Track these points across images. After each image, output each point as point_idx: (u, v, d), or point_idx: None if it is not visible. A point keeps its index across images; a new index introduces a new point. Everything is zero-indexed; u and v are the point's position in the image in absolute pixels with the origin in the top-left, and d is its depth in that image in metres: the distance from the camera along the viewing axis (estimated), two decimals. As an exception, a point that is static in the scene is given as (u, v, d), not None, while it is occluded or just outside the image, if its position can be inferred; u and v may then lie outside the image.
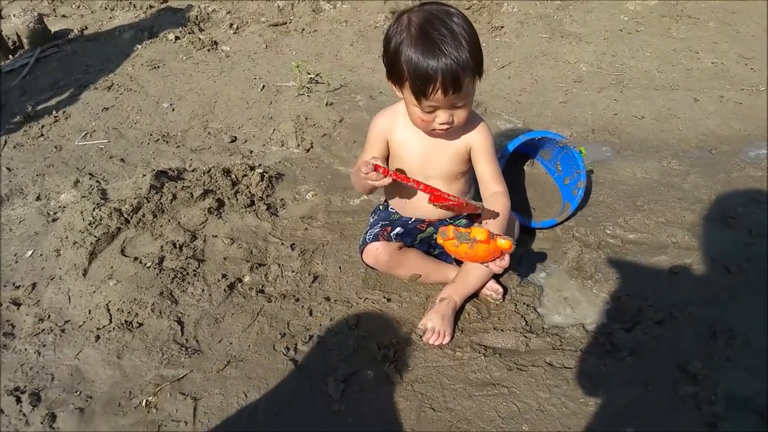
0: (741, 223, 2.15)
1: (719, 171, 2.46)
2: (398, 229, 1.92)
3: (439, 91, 1.53)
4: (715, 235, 2.12)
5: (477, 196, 1.93)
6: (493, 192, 1.79)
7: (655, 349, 1.69)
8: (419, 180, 1.68)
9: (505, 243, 1.53)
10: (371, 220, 2.04)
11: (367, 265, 1.94)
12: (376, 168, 1.64)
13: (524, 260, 2.05)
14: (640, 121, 2.86)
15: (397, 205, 2.00)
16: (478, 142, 1.79)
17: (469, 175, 1.91)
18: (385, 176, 1.65)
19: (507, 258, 1.58)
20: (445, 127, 1.66)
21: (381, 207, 2.07)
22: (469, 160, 1.84)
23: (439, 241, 1.60)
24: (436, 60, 1.49)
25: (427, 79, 1.52)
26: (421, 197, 1.82)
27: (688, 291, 1.90)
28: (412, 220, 1.97)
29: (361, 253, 1.91)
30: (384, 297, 1.91)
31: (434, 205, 1.69)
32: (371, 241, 1.87)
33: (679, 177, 2.44)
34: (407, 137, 1.81)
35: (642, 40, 3.66)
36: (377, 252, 1.85)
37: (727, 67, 3.30)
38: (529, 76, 3.31)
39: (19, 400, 1.61)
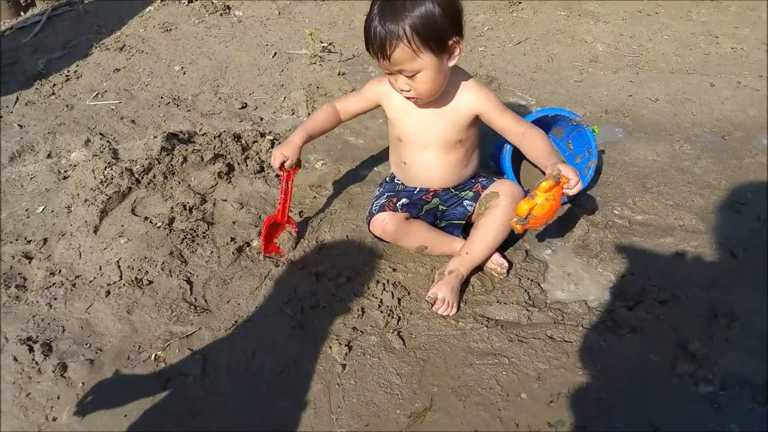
0: (750, 209, 2.15)
1: (731, 157, 2.46)
2: (404, 200, 1.94)
3: (373, 54, 1.64)
4: (723, 220, 2.12)
5: (481, 166, 1.94)
6: (522, 133, 1.82)
7: (656, 328, 1.71)
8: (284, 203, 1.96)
9: (545, 185, 1.53)
10: (377, 192, 2.06)
11: (375, 236, 1.96)
12: (281, 166, 1.93)
13: (530, 237, 2.06)
14: (654, 104, 2.84)
15: (399, 174, 2.03)
16: (481, 105, 1.81)
17: (469, 144, 1.91)
18: (281, 178, 1.96)
19: (572, 183, 1.58)
20: (408, 95, 1.72)
21: (387, 179, 2.09)
22: (470, 127, 1.86)
23: (520, 229, 1.63)
24: (372, 24, 1.59)
25: (365, 38, 1.65)
26: (430, 165, 1.90)
27: (692, 273, 1.91)
28: (417, 190, 1.99)
29: (368, 224, 1.93)
30: (390, 267, 1.93)
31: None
32: (377, 212, 1.90)
33: (690, 161, 2.43)
34: (405, 105, 1.84)
35: (661, 22, 3.61)
36: (384, 223, 1.87)
37: (747, 53, 3.26)
38: (544, 54, 3.28)
39: (31, 350, 1.65)
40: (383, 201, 1.94)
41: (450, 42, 1.63)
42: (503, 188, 1.86)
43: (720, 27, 3.54)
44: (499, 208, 1.83)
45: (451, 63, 1.68)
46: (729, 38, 3.42)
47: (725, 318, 1.73)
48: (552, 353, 1.64)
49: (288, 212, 2.00)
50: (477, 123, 1.88)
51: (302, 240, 2.03)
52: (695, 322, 1.74)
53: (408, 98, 1.75)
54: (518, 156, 2.07)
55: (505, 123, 1.83)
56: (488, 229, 1.85)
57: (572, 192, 1.60)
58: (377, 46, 1.60)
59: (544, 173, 1.63)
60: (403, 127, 1.90)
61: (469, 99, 1.81)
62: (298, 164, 1.99)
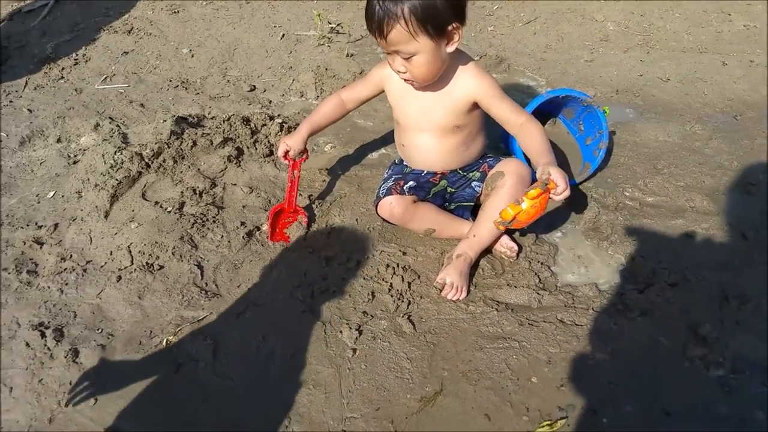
0: (761, 191, 2.13)
1: (743, 137, 2.42)
2: (411, 183, 1.94)
3: (371, 32, 1.64)
4: (734, 201, 2.10)
5: (490, 148, 1.92)
6: (520, 124, 1.80)
7: (667, 311, 1.71)
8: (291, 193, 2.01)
9: (533, 192, 1.57)
10: (385, 175, 2.06)
11: (383, 219, 1.96)
12: (286, 155, 2.00)
13: (541, 219, 2.05)
14: (665, 84, 2.80)
15: (406, 156, 2.02)
16: (480, 91, 1.79)
17: (469, 130, 1.90)
18: (287, 166, 2.02)
19: (559, 189, 1.59)
20: (404, 76, 1.72)
21: (396, 161, 2.08)
22: (468, 112, 1.84)
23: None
24: (374, 1, 1.59)
25: (365, 15, 1.64)
26: (427, 149, 1.91)
27: (703, 255, 1.90)
28: (424, 173, 1.98)
29: (376, 207, 1.94)
30: (399, 250, 1.93)
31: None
32: (385, 195, 1.90)
33: (702, 142, 2.40)
34: (405, 89, 1.84)
35: (672, -1, 3.55)
36: (391, 206, 1.88)
37: (760, 31, 3.20)
38: (554, 33, 3.23)
39: (43, 335, 1.67)
40: (390, 184, 1.94)
41: (449, 28, 1.61)
42: (509, 167, 1.86)
43: (732, 4, 3.47)
44: (505, 187, 1.82)
45: (450, 49, 1.67)
46: (742, 15, 3.36)
47: (736, 301, 1.73)
48: (562, 337, 1.65)
49: (295, 201, 2.00)
50: (477, 108, 1.86)
51: (312, 224, 2.03)
52: (706, 304, 1.73)
53: (404, 80, 1.75)
54: (540, 117, 2.05)
55: (503, 111, 1.81)
56: (495, 210, 1.80)
57: (559, 198, 1.61)
58: (375, 24, 1.60)
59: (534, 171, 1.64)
60: (402, 111, 1.90)
61: (467, 85, 1.79)
62: (304, 154, 2.03)
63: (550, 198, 1.61)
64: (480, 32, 3.25)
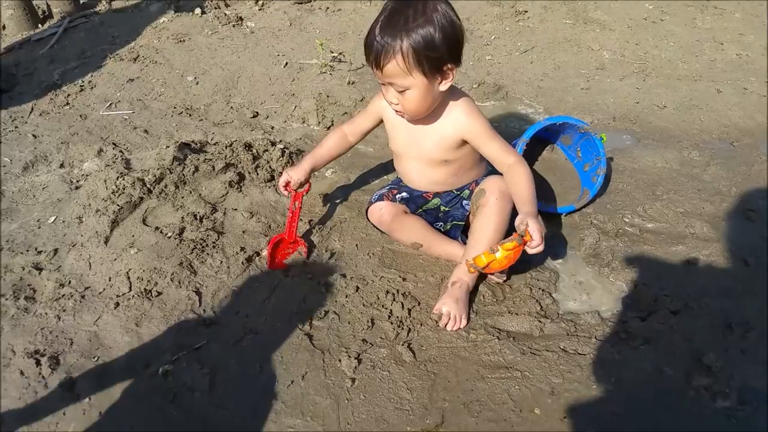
0: (761, 217, 2.13)
1: (740, 163, 2.44)
2: (403, 194, 2.01)
3: (368, 62, 1.68)
4: (734, 227, 2.10)
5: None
6: (508, 165, 1.80)
7: (670, 339, 1.69)
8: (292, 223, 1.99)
9: (509, 245, 1.61)
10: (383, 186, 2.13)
11: (373, 225, 2.01)
12: (287, 186, 2.02)
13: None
14: (661, 111, 2.83)
15: (403, 177, 2.08)
16: (469, 130, 1.81)
17: (460, 163, 1.93)
18: (289, 196, 2.02)
19: (534, 243, 1.62)
20: (395, 108, 1.76)
21: (397, 177, 2.14)
22: (457, 149, 1.87)
23: (473, 271, 1.70)
24: (373, 34, 1.63)
25: (364, 46, 1.69)
26: (418, 175, 1.97)
27: (705, 282, 1.89)
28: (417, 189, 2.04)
29: (366, 212, 2.00)
30: (400, 276, 1.92)
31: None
32: (376, 201, 1.97)
33: (700, 168, 2.41)
34: (397, 118, 1.88)
35: (666, 29, 3.60)
36: (381, 212, 1.94)
37: (752, 59, 3.25)
38: (551, 62, 3.27)
39: (38, 363, 1.65)
40: (384, 191, 2.02)
41: (445, 68, 1.66)
42: (488, 185, 1.87)
43: (725, 34, 3.53)
44: (488, 206, 1.83)
45: (443, 87, 1.70)
46: (734, 45, 3.41)
47: (740, 328, 1.71)
48: (565, 366, 1.63)
49: (296, 231, 2.00)
50: (467, 145, 1.87)
51: (312, 253, 2.03)
52: (709, 332, 1.72)
53: (396, 111, 1.79)
54: (529, 158, 2.07)
55: (492, 151, 1.83)
56: (483, 231, 1.83)
57: (532, 252, 1.64)
58: (373, 55, 1.64)
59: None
60: (394, 140, 1.96)
61: (457, 122, 1.81)
62: (305, 186, 2.05)
63: (523, 250, 1.65)
64: (478, 61, 3.29)
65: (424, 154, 1.90)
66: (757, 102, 2.87)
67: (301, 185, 2.05)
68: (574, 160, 2.37)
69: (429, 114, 1.79)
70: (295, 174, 2.02)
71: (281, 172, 2.36)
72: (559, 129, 2.31)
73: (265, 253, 1.99)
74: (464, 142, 1.85)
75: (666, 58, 3.29)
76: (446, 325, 1.74)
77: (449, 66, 1.66)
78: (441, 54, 1.62)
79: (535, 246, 1.61)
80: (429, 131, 1.85)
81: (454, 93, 1.82)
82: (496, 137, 1.82)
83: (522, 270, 1.94)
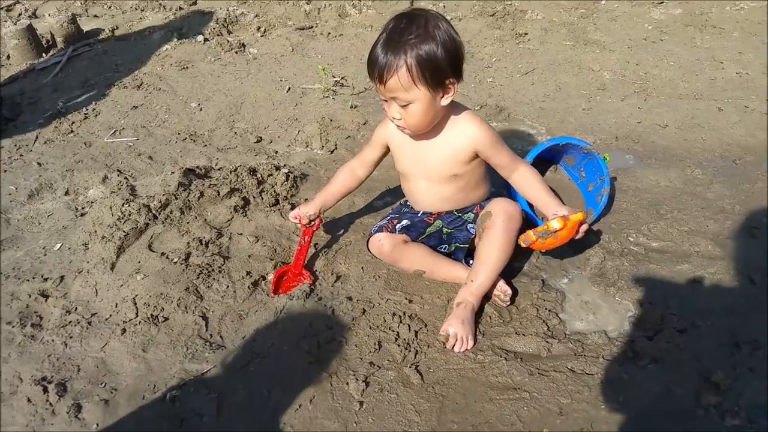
0: (765, 234, 2.13)
1: (743, 181, 2.44)
2: (404, 222, 2.01)
3: (372, 78, 1.71)
4: (739, 245, 2.10)
5: (494, 194, 1.94)
6: (519, 170, 1.89)
7: (678, 358, 1.68)
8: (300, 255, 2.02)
9: (578, 215, 1.69)
10: (385, 215, 2.13)
11: (374, 256, 2.02)
12: (299, 220, 2.03)
13: (546, 264, 2.05)
14: (663, 130, 2.85)
15: (409, 198, 2.09)
16: (480, 142, 1.85)
17: (469, 178, 1.94)
18: (301, 231, 2.05)
19: (585, 225, 1.73)
20: (398, 123, 1.78)
21: (401, 203, 2.16)
22: (467, 163, 1.89)
23: (525, 246, 1.73)
24: (377, 50, 1.68)
25: (367, 62, 1.72)
26: (420, 193, 1.98)
27: (711, 300, 1.88)
28: (420, 213, 2.04)
29: (367, 243, 2.01)
30: (406, 298, 1.92)
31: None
32: (375, 233, 1.98)
33: (703, 186, 2.42)
34: (404, 140, 1.91)
35: (666, 49, 3.64)
36: (380, 243, 1.95)
37: (752, 78, 3.27)
38: (552, 83, 3.31)
39: (45, 390, 1.65)
40: (384, 222, 2.02)
41: (447, 81, 1.70)
42: (495, 207, 1.88)
43: (724, 53, 3.56)
44: (494, 228, 1.84)
45: (445, 102, 1.74)
46: (734, 63, 3.44)
47: (748, 346, 1.70)
48: (573, 387, 1.62)
49: (302, 265, 2.01)
50: (477, 159, 1.90)
51: (317, 272, 2.04)
52: (717, 351, 1.71)
53: (398, 126, 1.81)
54: (541, 164, 2.09)
55: (502, 160, 1.89)
56: (489, 253, 1.84)
57: (580, 234, 1.74)
58: (376, 71, 1.68)
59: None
60: (402, 161, 1.98)
61: (468, 135, 1.84)
62: (316, 221, 2.07)
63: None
64: (480, 83, 3.32)
65: (432, 171, 1.91)
66: (758, 120, 2.89)
67: (311, 221, 2.06)
68: (578, 180, 2.38)
69: (432, 129, 1.83)
70: (305, 210, 2.05)
71: (286, 197, 2.39)
72: (562, 149, 2.33)
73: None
74: (474, 156, 1.88)
75: (667, 78, 3.32)
76: (453, 346, 1.74)
77: (451, 80, 1.70)
78: (443, 68, 1.66)
79: (584, 229, 1.73)
80: (436, 147, 1.88)
81: (455, 107, 1.86)
82: (505, 146, 1.89)
83: (528, 290, 1.94)
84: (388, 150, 2.03)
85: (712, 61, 3.47)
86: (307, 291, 1.95)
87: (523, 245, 1.73)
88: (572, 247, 2.12)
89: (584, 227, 1.73)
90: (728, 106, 3.02)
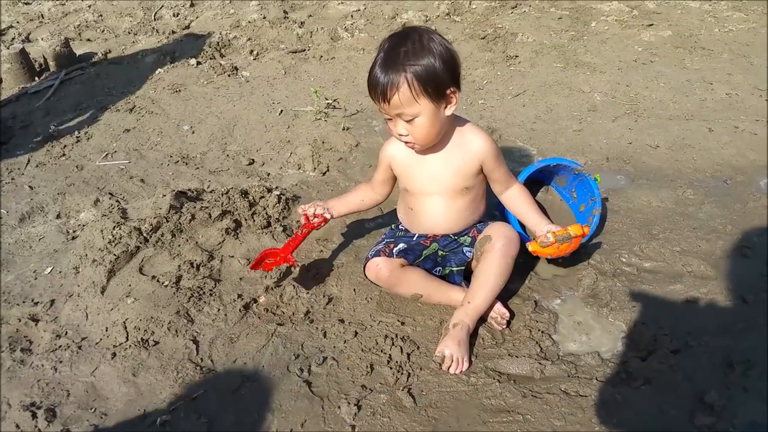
0: (757, 254, 2.14)
1: (735, 201, 2.46)
2: (401, 245, 1.97)
3: (374, 98, 1.74)
4: (731, 265, 2.11)
5: (486, 214, 1.95)
6: (514, 187, 1.98)
7: (671, 379, 1.68)
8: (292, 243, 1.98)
9: (582, 228, 1.82)
10: (379, 239, 2.09)
11: (371, 281, 1.98)
12: (305, 217, 2.03)
13: (539, 287, 2.05)
14: (654, 151, 2.87)
15: (406, 219, 2.07)
16: (488, 155, 1.89)
17: (476, 192, 1.96)
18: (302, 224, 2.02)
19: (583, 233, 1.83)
20: (406, 139, 1.80)
21: (393, 227, 2.12)
22: (476, 175, 1.92)
23: (532, 249, 1.84)
24: (376, 70, 1.71)
25: (368, 84, 1.75)
26: (428, 214, 1.97)
27: (704, 320, 1.88)
28: (416, 236, 2.02)
29: (364, 268, 1.97)
30: (398, 320, 1.91)
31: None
32: (372, 257, 1.94)
33: (695, 206, 2.43)
34: (412, 158, 1.93)
35: (656, 70, 3.69)
36: (378, 268, 1.91)
37: (742, 98, 3.32)
38: (543, 105, 3.34)
39: (34, 416, 1.63)
40: (380, 247, 1.98)
41: (448, 91, 1.73)
42: (495, 231, 1.89)
43: (714, 74, 3.61)
44: (493, 251, 1.84)
45: (449, 112, 1.77)
46: (723, 84, 3.49)
47: (741, 366, 1.70)
48: (567, 409, 1.60)
49: (291, 252, 1.97)
50: (482, 171, 1.93)
51: (309, 295, 2.02)
52: (711, 371, 1.70)
53: (406, 143, 1.83)
54: (532, 185, 2.11)
55: (501, 174, 1.94)
56: (487, 276, 1.85)
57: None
58: (379, 90, 1.70)
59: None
60: (411, 179, 1.95)
61: (475, 146, 1.88)
62: (320, 219, 2.05)
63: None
64: (471, 105, 3.35)
65: (444, 185, 1.91)
66: (748, 140, 2.92)
67: (316, 217, 2.05)
68: (569, 201, 2.39)
69: (439, 143, 1.85)
70: (312, 208, 2.06)
71: (278, 219, 2.39)
72: (554, 170, 2.34)
73: (263, 299, 1.99)
74: (480, 168, 1.91)
75: (657, 99, 3.36)
76: (449, 368, 1.73)
77: (452, 89, 1.73)
78: (442, 79, 1.70)
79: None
80: (447, 160, 1.89)
81: (458, 120, 1.89)
82: (503, 163, 1.95)
83: (521, 311, 1.93)
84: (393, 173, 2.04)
85: (701, 82, 3.52)
86: (283, 271, 2.00)
87: (541, 246, 1.81)
88: (565, 268, 2.12)
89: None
90: (718, 127, 3.05)
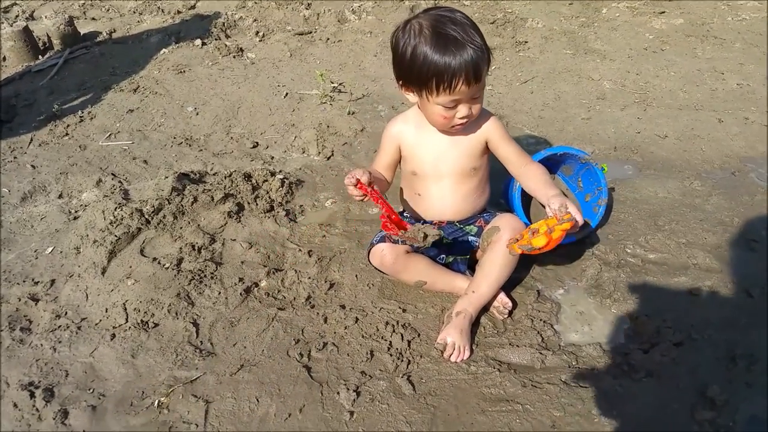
0: (764, 247, 2.11)
1: (743, 193, 2.43)
2: None
3: (462, 84, 1.63)
4: (737, 258, 2.08)
5: (492, 201, 1.93)
6: (525, 165, 1.88)
7: (673, 372, 1.66)
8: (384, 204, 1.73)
9: (564, 225, 1.62)
10: None
11: (375, 268, 1.95)
12: (358, 184, 1.69)
13: (542, 276, 2.03)
14: (663, 141, 2.83)
15: (412, 206, 2.03)
16: (492, 130, 1.87)
17: (482, 174, 1.94)
18: (363, 193, 1.70)
19: (577, 224, 1.65)
20: (465, 120, 1.75)
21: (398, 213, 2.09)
22: (483, 154, 1.90)
23: (518, 252, 1.72)
24: (459, 54, 1.60)
25: (452, 73, 1.61)
26: (437, 198, 1.92)
27: (708, 313, 1.86)
28: (421, 222, 1.99)
29: (368, 254, 1.94)
30: (399, 307, 1.90)
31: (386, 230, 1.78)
32: (377, 243, 1.92)
33: (702, 198, 2.40)
34: (419, 139, 1.89)
35: (667, 59, 3.63)
36: (382, 253, 1.88)
37: (753, 89, 3.26)
38: (552, 92, 3.30)
39: (32, 395, 1.63)
40: (385, 232, 1.93)
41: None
42: (503, 222, 1.86)
43: (725, 63, 3.55)
44: (501, 242, 1.82)
45: None
46: (735, 74, 3.43)
47: (744, 360, 1.68)
48: (567, 399, 1.59)
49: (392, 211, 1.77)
50: (488, 151, 1.91)
51: (311, 280, 2.01)
52: (713, 365, 1.69)
53: (456, 126, 1.77)
54: (528, 193, 2.06)
55: (510, 152, 1.88)
56: (492, 266, 1.83)
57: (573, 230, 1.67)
58: (472, 72, 1.61)
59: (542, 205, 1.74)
60: (420, 161, 1.91)
61: (480, 124, 1.85)
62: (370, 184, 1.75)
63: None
64: (479, 91, 3.31)
65: (453, 166, 1.88)
66: (758, 132, 2.87)
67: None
68: (575, 190, 2.36)
69: None
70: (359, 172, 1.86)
71: (281, 203, 2.37)
72: (560, 159, 2.31)
73: (264, 283, 1.98)
74: (486, 147, 1.89)
75: (667, 88, 3.31)
76: (450, 355, 1.72)
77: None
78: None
79: (578, 227, 1.67)
80: (456, 141, 1.87)
81: None
82: (513, 141, 1.90)
83: (523, 301, 1.92)
84: (399, 153, 1.96)
85: (712, 72, 3.47)
86: (306, 295, 1.95)
87: (518, 252, 1.72)
88: (568, 258, 2.10)
89: (577, 229, 1.69)
90: (729, 118, 3.00)
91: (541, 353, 1.73)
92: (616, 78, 3.43)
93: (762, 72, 3.44)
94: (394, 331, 1.81)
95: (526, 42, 3.86)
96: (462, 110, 1.72)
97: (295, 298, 1.95)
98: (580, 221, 1.66)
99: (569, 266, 2.07)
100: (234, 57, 3.75)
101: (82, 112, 3.13)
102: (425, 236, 1.73)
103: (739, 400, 1.57)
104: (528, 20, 4.14)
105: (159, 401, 1.61)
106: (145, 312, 1.86)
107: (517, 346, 1.76)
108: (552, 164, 2.39)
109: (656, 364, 1.68)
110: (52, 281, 2.02)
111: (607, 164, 2.23)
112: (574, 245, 2.14)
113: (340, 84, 3.35)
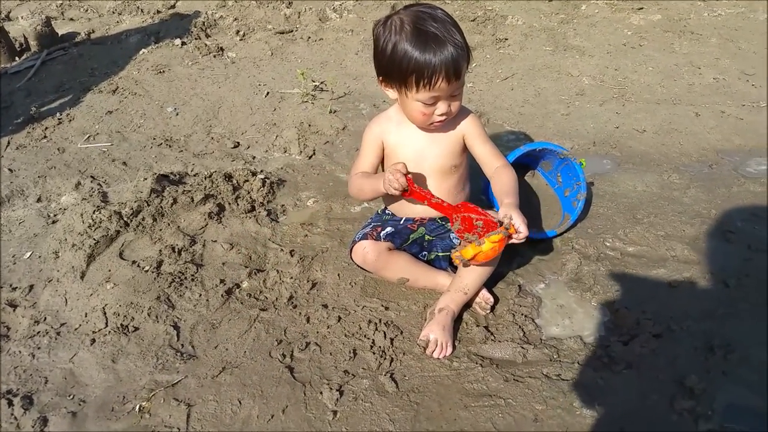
0: (740, 238, 2.15)
1: (719, 185, 2.46)
2: (388, 229, 1.95)
3: (442, 81, 1.64)
4: (715, 249, 2.11)
5: (472, 198, 1.94)
6: (496, 168, 1.90)
7: (653, 363, 1.68)
8: (436, 198, 1.82)
9: (494, 237, 1.64)
10: (365, 223, 2.07)
11: (357, 265, 1.95)
12: (407, 177, 1.76)
13: (523, 271, 2.05)
14: (641, 135, 2.86)
15: (393, 205, 2.03)
16: (469, 128, 1.89)
17: (462, 171, 1.96)
18: (409, 187, 1.78)
19: (521, 235, 1.66)
20: (443, 117, 1.77)
21: (379, 211, 2.09)
22: (462, 152, 1.92)
23: (457, 262, 1.71)
24: (439, 52, 1.61)
25: (432, 70, 1.62)
26: (433, 189, 1.91)
27: (686, 305, 1.89)
28: (403, 220, 2.00)
29: (350, 252, 1.94)
30: (382, 305, 1.90)
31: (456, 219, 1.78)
32: (360, 240, 1.92)
33: (680, 191, 2.43)
34: (400, 137, 1.90)
35: (645, 54, 3.67)
36: (365, 251, 1.89)
37: (729, 83, 3.31)
38: (531, 88, 3.32)
39: (11, 403, 1.61)
40: (367, 230, 1.96)
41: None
42: None
43: (702, 58, 3.60)
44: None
45: None
46: (711, 69, 3.48)
47: (722, 350, 1.70)
48: (548, 393, 1.61)
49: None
50: (467, 148, 1.92)
51: (293, 280, 2.01)
52: (692, 355, 1.71)
53: (436, 123, 1.79)
54: (519, 170, 2.09)
55: (485, 152, 1.90)
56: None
57: (517, 242, 1.68)
58: (452, 69, 1.63)
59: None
60: (401, 159, 1.89)
61: (460, 122, 1.87)
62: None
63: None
64: (459, 88, 3.32)
65: (434, 164, 1.89)
66: (734, 125, 2.92)
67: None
68: (555, 185, 2.38)
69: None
70: (369, 161, 1.96)
71: (262, 203, 2.36)
72: (539, 155, 2.33)
73: (246, 284, 1.97)
74: (464, 145, 1.90)
75: (645, 83, 3.35)
76: (433, 352, 1.72)
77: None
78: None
79: (522, 238, 1.66)
80: (436, 139, 1.88)
81: None
82: (489, 141, 1.91)
83: (505, 296, 1.93)
84: (382, 151, 1.95)
85: (689, 67, 3.51)
86: (289, 294, 1.94)
87: (458, 262, 1.70)
88: (549, 252, 2.12)
89: (521, 237, 1.66)
90: (705, 111, 3.05)
91: (522, 347, 1.74)
92: (595, 74, 3.46)
93: (737, 66, 3.49)
94: (376, 329, 1.81)
95: (506, 39, 3.88)
96: (441, 107, 1.74)
97: (277, 299, 1.94)
98: (524, 233, 1.66)
99: (550, 260, 2.09)
100: (214, 56, 3.72)
101: (61, 114, 3.09)
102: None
103: (716, 388, 1.59)
104: (508, 17, 4.16)
105: (140, 406, 1.60)
106: (125, 316, 1.85)
107: (499, 341, 1.77)
108: (531, 160, 2.41)
109: (636, 356, 1.70)
110: (31, 286, 2.00)
111: (586, 159, 2.26)
112: (554, 240, 2.16)
113: (321, 83, 3.34)
